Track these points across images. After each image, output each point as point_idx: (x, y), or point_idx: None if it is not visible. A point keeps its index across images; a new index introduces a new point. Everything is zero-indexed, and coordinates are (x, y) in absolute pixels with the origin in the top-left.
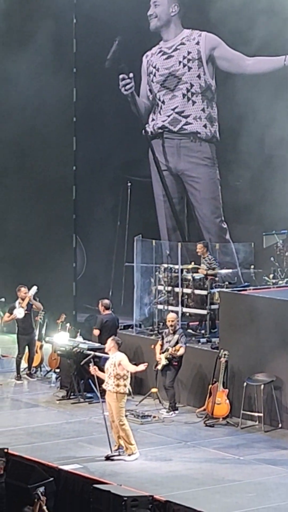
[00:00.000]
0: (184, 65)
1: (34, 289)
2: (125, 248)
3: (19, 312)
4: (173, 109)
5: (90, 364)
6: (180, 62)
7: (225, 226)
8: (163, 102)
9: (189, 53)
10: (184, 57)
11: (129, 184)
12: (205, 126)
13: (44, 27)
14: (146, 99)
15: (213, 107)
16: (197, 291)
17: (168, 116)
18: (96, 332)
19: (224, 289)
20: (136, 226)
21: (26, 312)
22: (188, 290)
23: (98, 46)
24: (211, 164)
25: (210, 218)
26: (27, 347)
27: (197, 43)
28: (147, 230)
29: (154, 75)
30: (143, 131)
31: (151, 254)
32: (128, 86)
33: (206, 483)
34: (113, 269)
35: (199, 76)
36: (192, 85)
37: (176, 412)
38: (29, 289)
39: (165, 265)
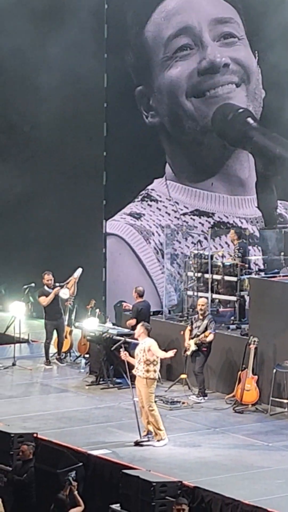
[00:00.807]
0: None
1: (79, 271)
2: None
3: (64, 293)
4: None
5: (121, 350)
6: None
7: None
8: None
9: None
10: None
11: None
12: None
13: (77, 12)
14: None
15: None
16: (227, 278)
17: None
18: (133, 321)
19: (254, 276)
20: None
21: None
22: (218, 277)
23: (129, 32)
24: None
25: None
26: (55, 332)
27: None
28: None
29: None
30: None
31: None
32: None
33: (235, 469)
34: None
35: None
36: None
37: (205, 398)
38: (52, 278)
39: (195, 251)
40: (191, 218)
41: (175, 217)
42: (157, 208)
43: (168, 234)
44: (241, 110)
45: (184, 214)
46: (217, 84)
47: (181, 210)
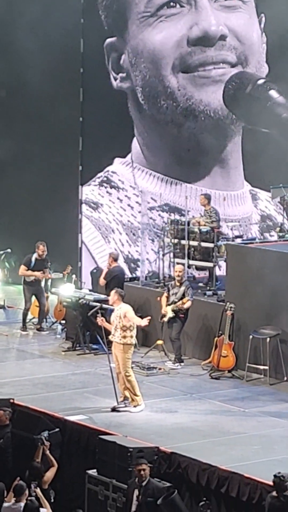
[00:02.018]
0: None
1: (58, 275)
2: None
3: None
4: None
5: (97, 315)
6: None
7: None
8: None
9: None
10: None
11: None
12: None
13: None
14: None
15: None
16: (203, 244)
17: None
18: (102, 282)
19: (230, 242)
20: None
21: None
22: (195, 243)
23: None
24: None
25: None
26: (34, 298)
27: None
28: None
29: None
30: None
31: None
32: None
33: (211, 435)
34: None
35: None
36: None
37: (182, 364)
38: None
39: (172, 218)
40: (158, 215)
41: (140, 212)
42: (118, 198)
43: (145, 202)
44: (261, 81)
45: (150, 209)
46: (209, 61)
47: (148, 203)
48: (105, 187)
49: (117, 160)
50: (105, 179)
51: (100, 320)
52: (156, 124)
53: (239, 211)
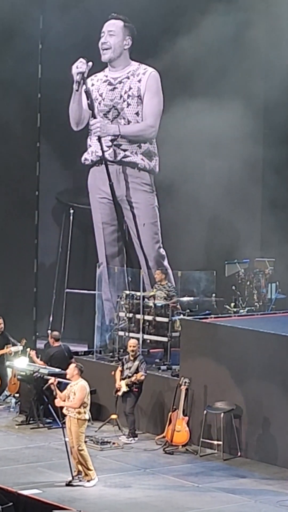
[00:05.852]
0: (124, 100)
1: (19, 348)
2: (66, 274)
3: None
4: (111, 141)
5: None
6: (121, 96)
7: (164, 252)
8: None
9: (130, 88)
10: (125, 92)
11: (71, 211)
12: (142, 160)
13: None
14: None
15: (153, 143)
16: (158, 318)
17: (108, 147)
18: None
19: (185, 317)
20: (77, 252)
21: None
22: (150, 317)
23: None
24: (150, 191)
25: (149, 244)
26: None
27: (139, 81)
28: (87, 257)
29: (99, 103)
30: (83, 158)
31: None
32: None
33: (165, 510)
34: (54, 295)
35: (137, 113)
36: (129, 121)
37: (136, 438)
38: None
39: (127, 292)
40: None
41: None
42: None
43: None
44: None
45: None
46: None
47: None
48: None
49: None
50: None
51: (51, 380)
52: None
53: None
